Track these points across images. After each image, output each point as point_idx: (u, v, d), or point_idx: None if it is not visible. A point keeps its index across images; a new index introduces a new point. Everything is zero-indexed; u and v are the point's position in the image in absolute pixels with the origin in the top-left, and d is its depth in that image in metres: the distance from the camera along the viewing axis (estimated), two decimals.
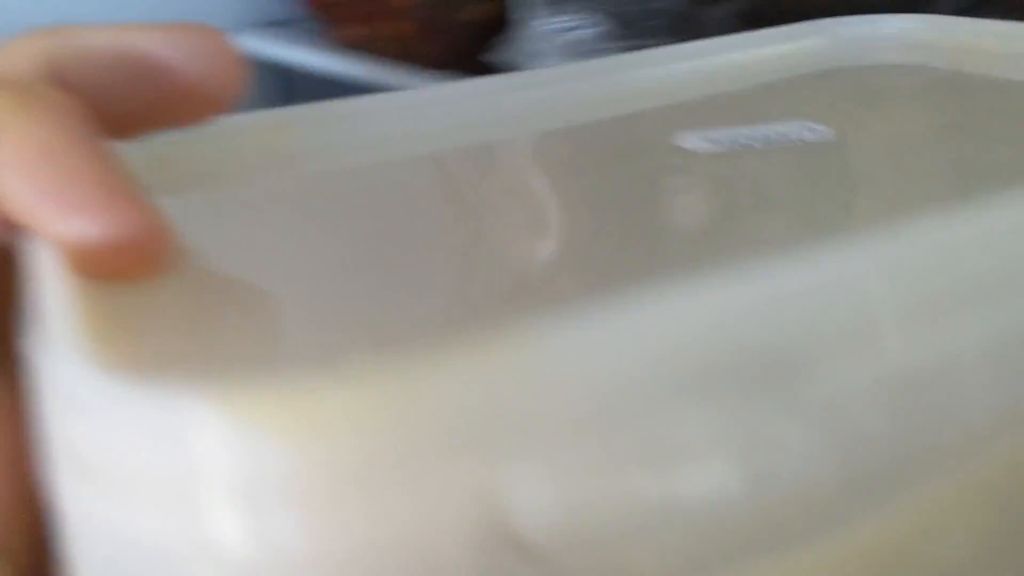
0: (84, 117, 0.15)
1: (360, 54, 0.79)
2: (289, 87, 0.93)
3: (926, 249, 0.13)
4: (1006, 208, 0.14)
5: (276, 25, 0.96)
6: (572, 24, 0.57)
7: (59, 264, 0.13)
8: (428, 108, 0.24)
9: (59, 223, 0.13)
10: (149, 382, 0.10)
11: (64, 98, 0.15)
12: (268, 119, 0.22)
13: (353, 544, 0.10)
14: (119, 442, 0.10)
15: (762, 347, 0.12)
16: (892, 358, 0.13)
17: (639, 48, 0.27)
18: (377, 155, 0.22)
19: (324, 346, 0.14)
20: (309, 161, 0.22)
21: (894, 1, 0.32)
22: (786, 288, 0.12)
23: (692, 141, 0.22)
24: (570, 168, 0.23)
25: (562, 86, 0.25)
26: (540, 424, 0.10)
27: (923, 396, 0.13)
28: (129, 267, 0.14)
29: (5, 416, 0.16)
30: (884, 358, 0.13)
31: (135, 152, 0.17)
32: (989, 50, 0.27)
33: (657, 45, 0.27)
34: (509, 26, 0.62)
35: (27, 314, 0.13)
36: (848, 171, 0.22)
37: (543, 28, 0.58)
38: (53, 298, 0.13)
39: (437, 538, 0.10)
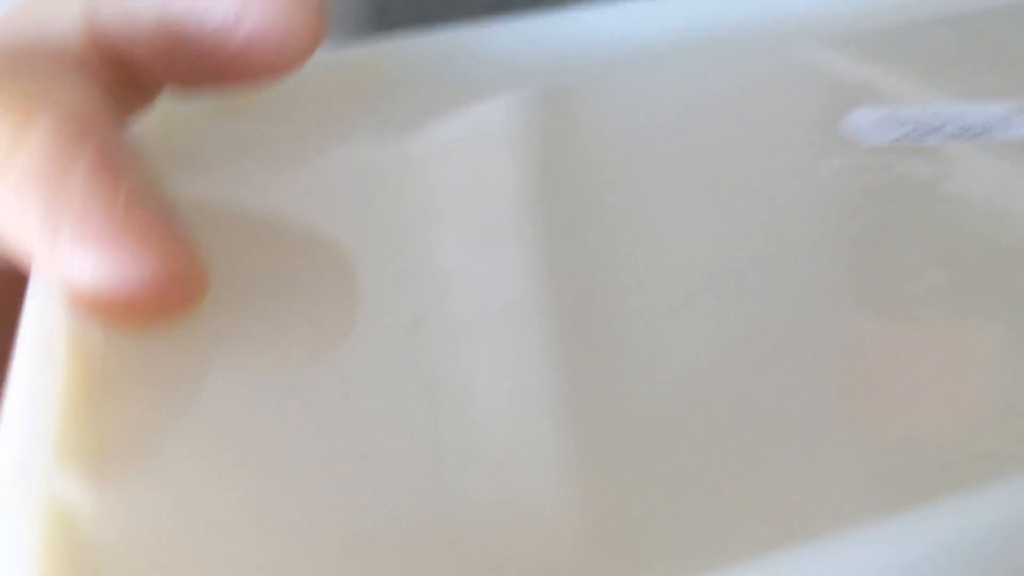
0: (102, 117, 0.14)
1: None
2: None
3: None
4: None
5: None
6: None
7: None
8: None
9: (63, 259, 0.12)
10: None
11: (79, 102, 0.14)
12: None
13: None
14: None
15: None
16: None
17: None
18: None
19: None
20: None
21: None
22: None
23: (864, 127, 0.17)
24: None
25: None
26: None
27: None
28: (141, 315, 0.12)
29: None
30: None
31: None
32: None
33: None
34: None
35: None
36: None
37: None
38: None
39: None
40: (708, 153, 0.18)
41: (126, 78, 0.15)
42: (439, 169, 0.18)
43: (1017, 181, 0.16)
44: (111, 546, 0.09)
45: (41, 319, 0.12)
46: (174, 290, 0.12)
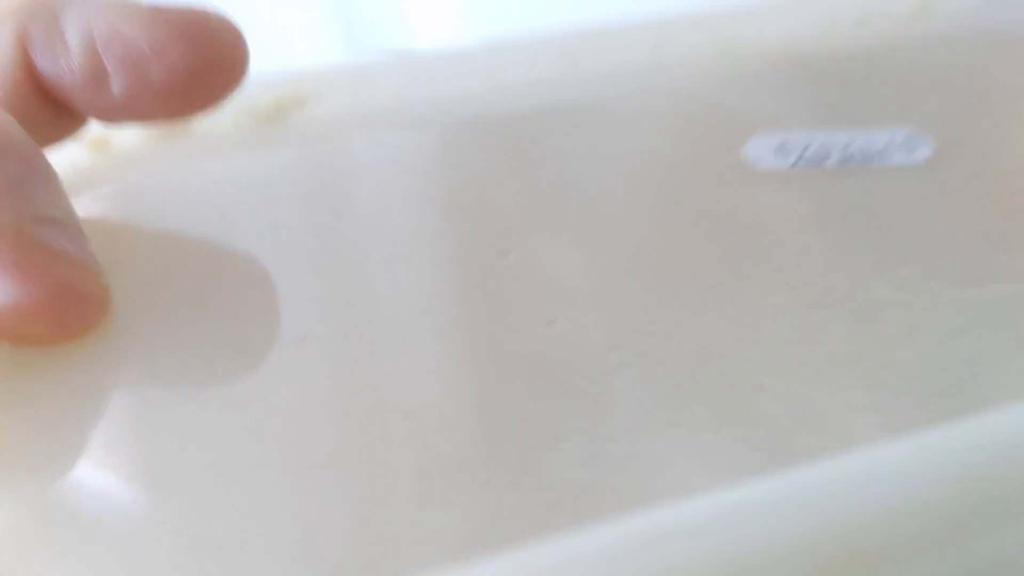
0: (18, 135, 0.14)
1: None
2: None
3: None
4: None
5: None
6: None
7: None
8: None
9: None
10: None
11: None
12: None
13: None
14: None
15: None
16: None
17: None
18: None
19: None
20: None
21: None
22: None
23: (761, 154, 0.18)
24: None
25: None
26: None
27: None
28: (39, 335, 0.13)
29: None
30: None
31: None
32: None
33: None
34: None
35: None
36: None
37: None
38: None
39: None
40: (617, 175, 0.18)
41: (53, 106, 0.16)
42: (337, 190, 0.18)
43: (892, 205, 0.17)
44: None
45: None
46: (73, 311, 0.13)
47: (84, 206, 0.15)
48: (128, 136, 0.19)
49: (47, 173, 0.14)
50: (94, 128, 0.18)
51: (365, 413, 0.12)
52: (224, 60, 0.16)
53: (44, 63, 0.15)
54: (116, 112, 0.16)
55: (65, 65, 0.15)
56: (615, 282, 0.15)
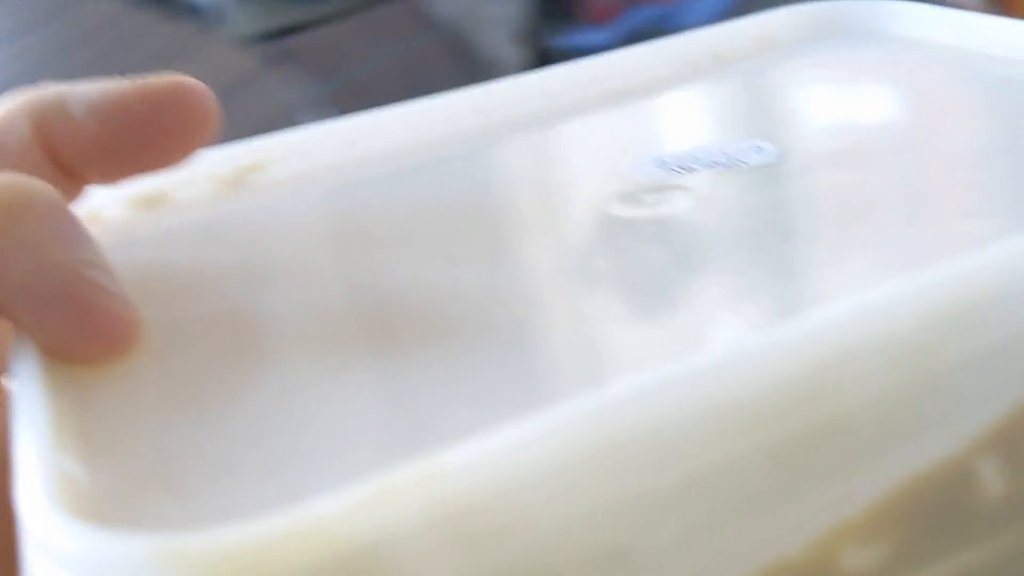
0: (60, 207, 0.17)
1: None
2: None
3: None
4: None
5: None
6: None
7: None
8: None
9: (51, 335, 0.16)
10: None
11: (49, 192, 0.17)
12: None
13: None
14: None
15: None
16: None
17: None
18: None
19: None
20: None
21: None
22: None
23: (644, 165, 0.23)
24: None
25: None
26: None
27: None
28: (98, 357, 0.16)
29: None
30: None
31: None
32: None
33: None
34: None
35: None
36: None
37: None
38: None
39: None
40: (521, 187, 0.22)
41: (65, 176, 0.19)
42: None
43: (741, 197, 0.22)
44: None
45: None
46: (120, 333, 0.16)
47: None
48: (116, 210, 0.23)
49: (86, 230, 0.17)
50: (88, 204, 0.22)
51: None
52: (203, 114, 0.19)
53: (59, 138, 0.19)
54: (114, 170, 0.20)
55: (76, 135, 0.19)
56: None
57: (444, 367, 0.16)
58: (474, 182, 0.24)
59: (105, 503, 0.13)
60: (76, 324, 0.15)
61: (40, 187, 0.17)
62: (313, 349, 0.17)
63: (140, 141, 0.19)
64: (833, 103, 0.27)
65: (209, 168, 0.23)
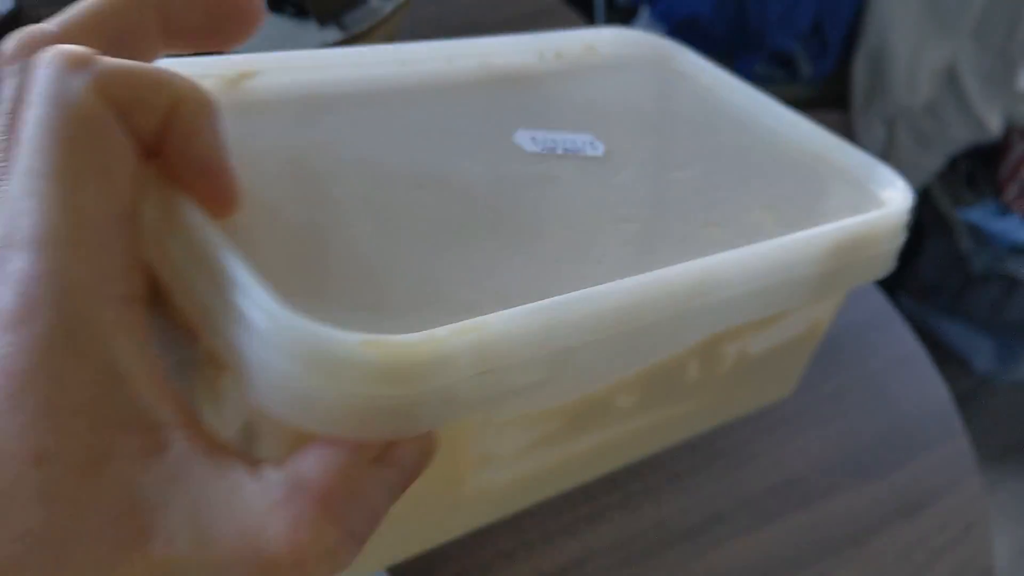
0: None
1: None
2: None
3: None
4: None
5: None
6: None
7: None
8: None
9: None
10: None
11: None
12: None
13: None
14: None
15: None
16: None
17: None
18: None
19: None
20: None
21: None
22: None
23: (525, 140, 0.34)
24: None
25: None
26: None
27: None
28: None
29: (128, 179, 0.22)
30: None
31: None
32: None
33: None
34: None
35: None
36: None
37: None
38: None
39: None
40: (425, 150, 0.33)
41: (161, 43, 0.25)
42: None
43: (584, 175, 0.34)
44: None
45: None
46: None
47: None
48: None
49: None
50: None
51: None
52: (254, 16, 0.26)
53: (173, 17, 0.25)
54: (187, 47, 0.26)
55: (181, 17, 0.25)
56: None
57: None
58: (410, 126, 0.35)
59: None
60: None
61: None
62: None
63: (212, 30, 0.25)
64: (643, 112, 0.40)
65: (217, 68, 0.31)
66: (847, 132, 1.72)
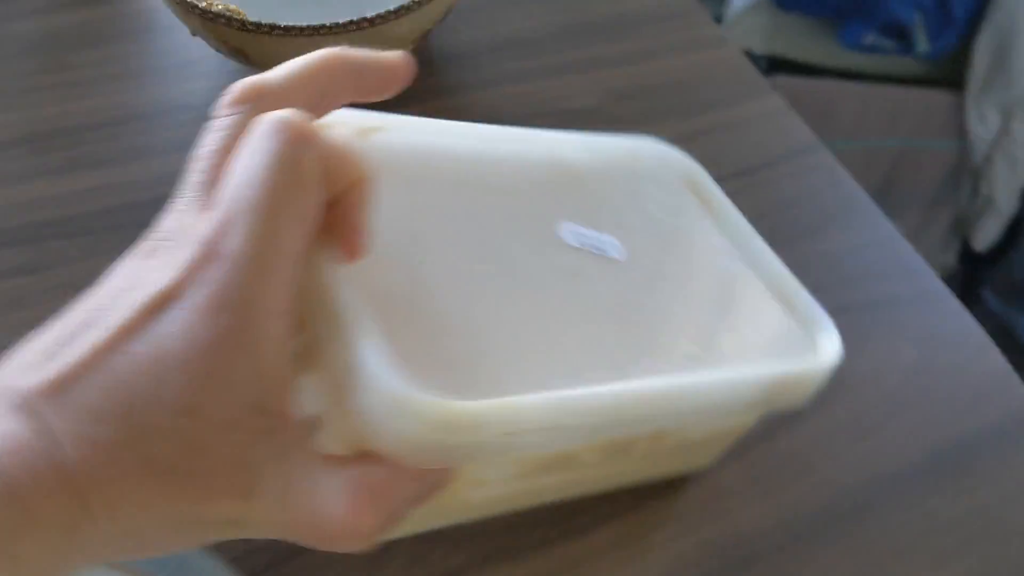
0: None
1: None
2: None
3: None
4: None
5: None
6: None
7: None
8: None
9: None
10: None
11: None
12: None
13: None
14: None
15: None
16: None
17: None
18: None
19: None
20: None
21: None
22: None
23: (567, 233, 0.44)
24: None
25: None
26: None
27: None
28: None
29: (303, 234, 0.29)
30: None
31: None
32: None
33: None
34: None
35: None
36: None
37: None
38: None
39: None
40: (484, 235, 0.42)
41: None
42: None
43: (605, 276, 0.44)
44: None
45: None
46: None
47: None
48: None
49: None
50: None
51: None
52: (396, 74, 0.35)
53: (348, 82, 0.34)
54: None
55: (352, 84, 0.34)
56: None
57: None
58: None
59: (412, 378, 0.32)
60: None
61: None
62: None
63: (379, 91, 0.34)
64: (659, 221, 0.49)
65: (356, 120, 0.40)
66: (957, 116, 1.55)
